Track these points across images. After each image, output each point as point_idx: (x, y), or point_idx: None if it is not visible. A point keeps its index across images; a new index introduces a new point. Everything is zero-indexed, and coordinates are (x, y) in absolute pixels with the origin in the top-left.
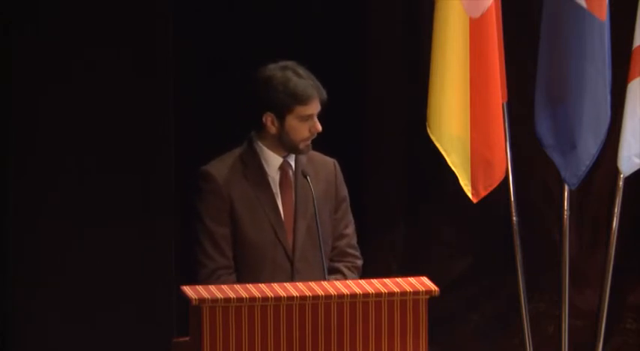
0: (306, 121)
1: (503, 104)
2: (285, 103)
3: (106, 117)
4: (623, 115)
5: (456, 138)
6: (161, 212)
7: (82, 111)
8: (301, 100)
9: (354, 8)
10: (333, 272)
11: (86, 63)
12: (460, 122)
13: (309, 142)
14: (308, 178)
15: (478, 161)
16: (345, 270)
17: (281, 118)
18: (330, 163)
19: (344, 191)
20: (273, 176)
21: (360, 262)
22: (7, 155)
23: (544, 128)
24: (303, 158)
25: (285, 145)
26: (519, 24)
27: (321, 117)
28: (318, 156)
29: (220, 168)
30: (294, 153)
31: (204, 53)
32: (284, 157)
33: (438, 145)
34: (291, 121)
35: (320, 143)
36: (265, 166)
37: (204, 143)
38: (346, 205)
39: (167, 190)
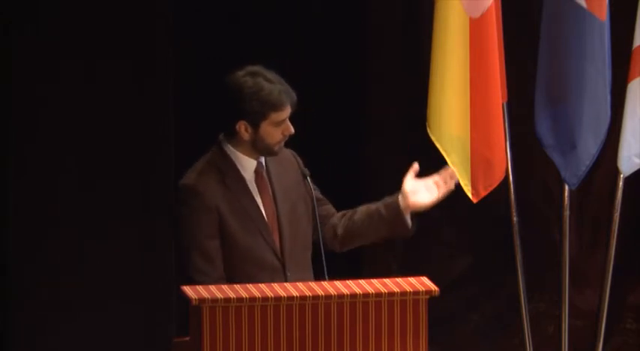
0: (280, 126)
1: (503, 104)
2: (260, 111)
3: (106, 117)
4: (623, 115)
5: (456, 138)
6: (161, 212)
7: (81, 111)
8: (275, 107)
9: (354, 8)
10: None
11: (86, 63)
12: (460, 122)
13: (282, 143)
14: (308, 178)
15: (478, 161)
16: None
17: (255, 125)
18: (288, 153)
19: (306, 171)
20: (250, 180)
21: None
22: (7, 155)
23: (544, 128)
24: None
25: (259, 149)
26: (519, 24)
27: (320, 117)
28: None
29: (202, 180)
30: (268, 155)
31: (204, 53)
32: (257, 160)
33: (438, 145)
34: (266, 127)
35: (320, 143)
36: (241, 170)
37: (204, 143)
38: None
39: (167, 190)
